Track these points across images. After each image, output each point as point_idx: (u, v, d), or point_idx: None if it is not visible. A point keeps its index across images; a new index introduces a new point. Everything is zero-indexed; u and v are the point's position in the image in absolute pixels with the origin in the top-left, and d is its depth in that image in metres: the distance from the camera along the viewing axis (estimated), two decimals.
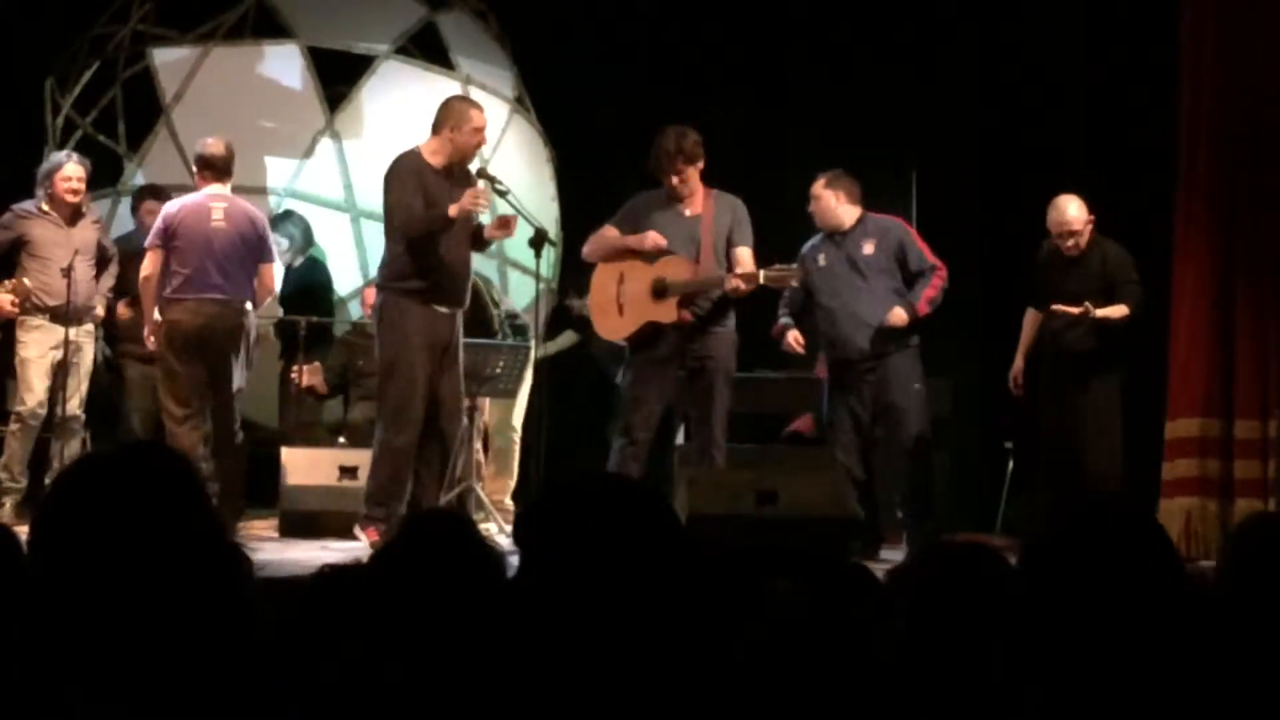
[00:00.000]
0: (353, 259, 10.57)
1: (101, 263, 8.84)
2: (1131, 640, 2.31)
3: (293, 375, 9.59)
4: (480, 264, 8.56)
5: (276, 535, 8.61)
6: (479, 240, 7.76)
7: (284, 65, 10.57)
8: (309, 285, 10.03)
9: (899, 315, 8.10)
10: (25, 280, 8.48)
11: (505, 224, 7.60)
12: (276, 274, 8.67)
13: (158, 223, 8.25)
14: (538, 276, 8.62)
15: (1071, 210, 8.24)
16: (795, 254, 8.14)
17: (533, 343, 9.42)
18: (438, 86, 10.46)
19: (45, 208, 8.63)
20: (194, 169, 8.54)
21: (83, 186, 8.68)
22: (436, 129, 7.62)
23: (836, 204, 8.28)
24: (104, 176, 9.86)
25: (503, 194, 7.80)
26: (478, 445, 9.07)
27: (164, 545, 2.02)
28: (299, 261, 9.99)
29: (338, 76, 10.56)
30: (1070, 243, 8.24)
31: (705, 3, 11.14)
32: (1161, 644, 2.32)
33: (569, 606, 2.12)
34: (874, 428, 8.25)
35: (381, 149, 9.94)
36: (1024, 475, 9.36)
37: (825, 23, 10.91)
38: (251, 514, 9.10)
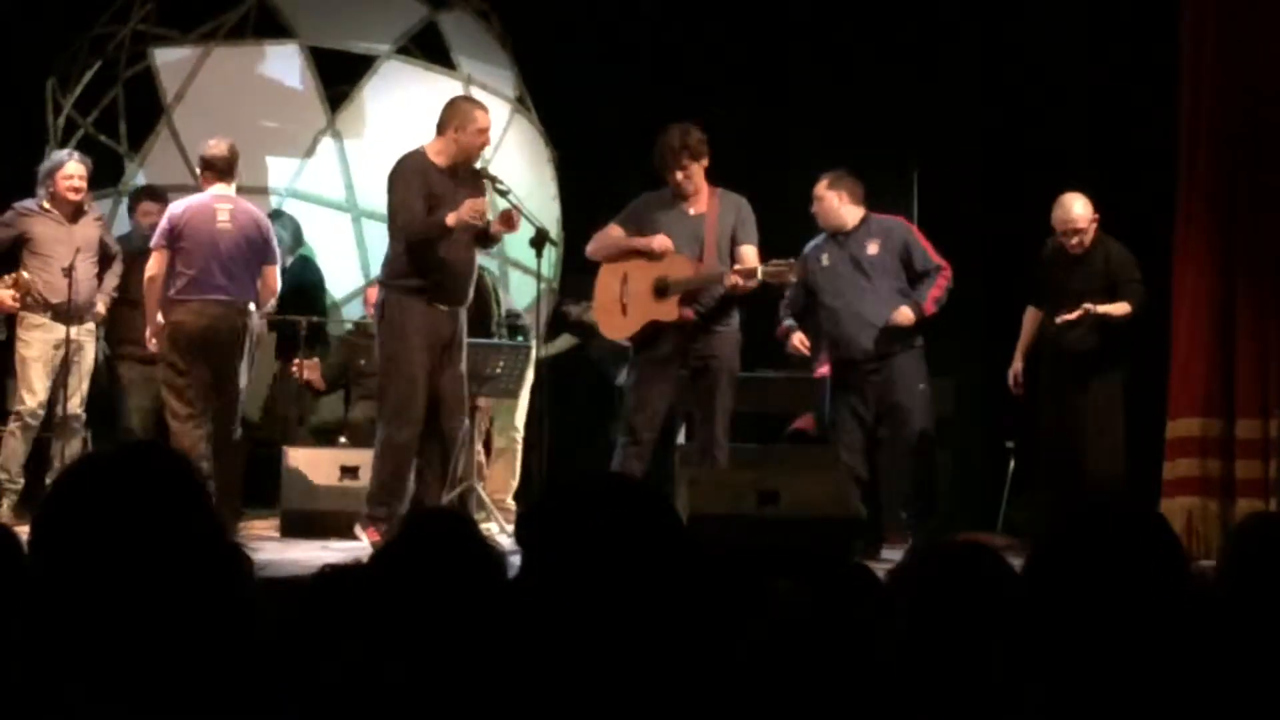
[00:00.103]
0: (354, 259, 10.57)
1: (104, 261, 8.83)
2: (1132, 640, 2.31)
3: (292, 370, 9.59)
4: (482, 262, 8.56)
5: (277, 535, 8.62)
6: (485, 237, 7.76)
7: (285, 65, 10.57)
8: (301, 284, 10.04)
9: (905, 314, 8.09)
10: (25, 274, 8.48)
11: (509, 220, 7.59)
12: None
13: (163, 223, 8.25)
14: (539, 276, 8.63)
15: (1077, 208, 8.24)
16: (797, 253, 8.14)
17: (534, 343, 9.43)
18: (439, 86, 10.46)
19: (47, 206, 8.62)
20: (198, 170, 8.54)
21: (84, 184, 8.67)
22: (441, 129, 7.62)
23: (839, 204, 8.27)
24: (105, 176, 9.86)
25: (504, 194, 7.80)
26: (478, 445, 9.07)
27: (164, 545, 2.02)
28: (289, 261, 9.99)
29: (339, 76, 10.56)
30: (1074, 240, 8.23)
31: (707, 2, 11.14)
32: (1163, 644, 2.32)
33: (570, 607, 2.12)
34: (878, 427, 8.24)
35: (383, 149, 9.94)
36: (1025, 475, 9.36)
37: (827, 22, 10.91)
38: (252, 514, 9.11)
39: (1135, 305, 8.17)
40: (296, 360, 9.51)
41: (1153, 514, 2.53)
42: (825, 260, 8.30)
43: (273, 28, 10.61)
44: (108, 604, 1.97)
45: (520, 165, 10.35)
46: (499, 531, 8.53)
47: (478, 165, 7.98)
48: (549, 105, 11.02)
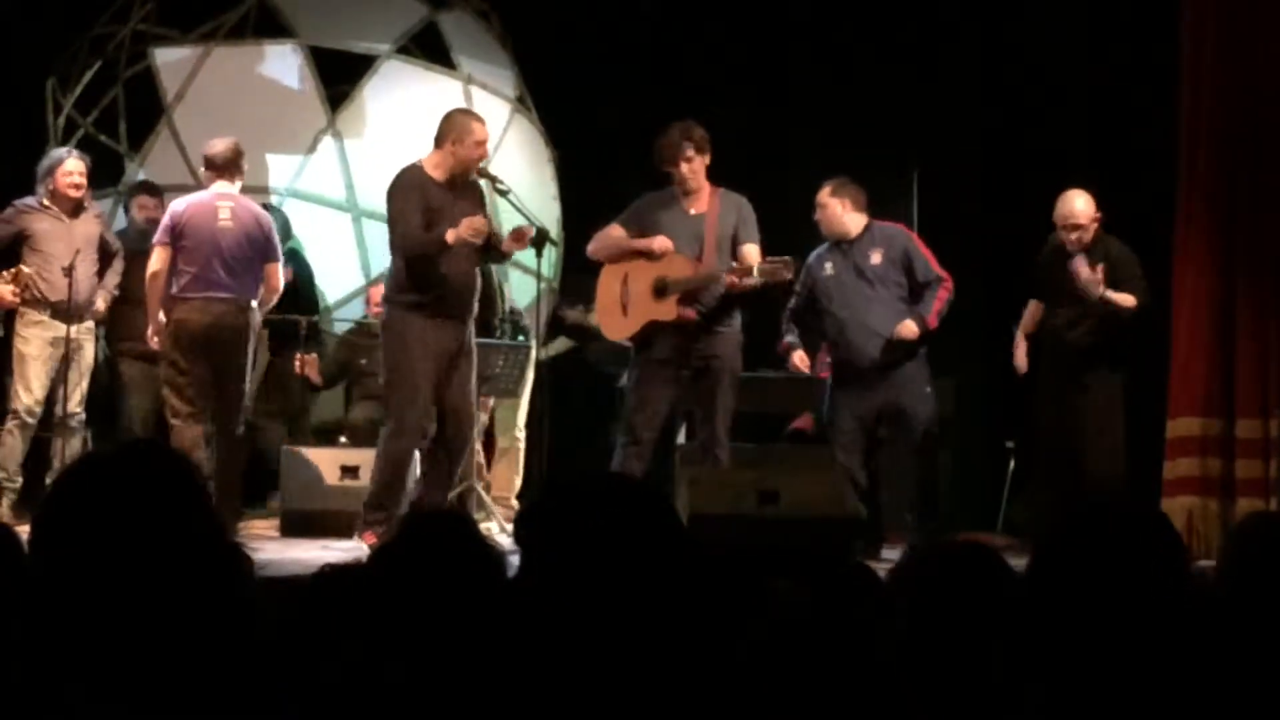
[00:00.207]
0: (354, 258, 10.57)
1: (105, 257, 8.84)
2: (1133, 640, 2.31)
3: (295, 365, 9.58)
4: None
5: (277, 535, 8.62)
6: (496, 252, 7.77)
7: (285, 65, 10.57)
8: (292, 278, 10.04)
9: (910, 328, 8.09)
10: (25, 268, 8.47)
11: (521, 237, 7.60)
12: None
13: (165, 220, 8.29)
14: (539, 276, 8.63)
15: (1078, 204, 8.24)
16: (797, 252, 8.13)
17: (533, 342, 9.43)
18: (439, 86, 10.47)
19: (46, 203, 8.63)
20: (201, 168, 8.55)
21: (84, 181, 8.68)
22: (439, 142, 7.63)
23: (843, 212, 8.27)
24: (105, 176, 9.86)
25: (504, 193, 7.81)
26: (478, 445, 9.07)
27: (164, 545, 2.02)
28: None
29: (339, 76, 10.56)
30: (1074, 236, 8.23)
31: (707, 2, 11.14)
32: (1163, 643, 2.32)
33: (570, 606, 2.12)
34: (879, 428, 8.25)
35: (383, 149, 9.96)
36: (1025, 475, 9.36)
37: (827, 23, 10.91)
38: (252, 514, 9.11)
39: (1140, 301, 8.16)
40: (299, 356, 9.51)
41: (1154, 513, 2.53)
42: (829, 269, 8.29)
43: (273, 27, 10.61)
44: (108, 604, 1.97)
45: (520, 165, 10.35)
46: (499, 531, 8.54)
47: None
48: (549, 105, 11.02)
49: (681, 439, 9.08)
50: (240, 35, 10.61)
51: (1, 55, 10.14)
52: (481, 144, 7.66)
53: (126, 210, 9.57)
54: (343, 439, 9.52)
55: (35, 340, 8.56)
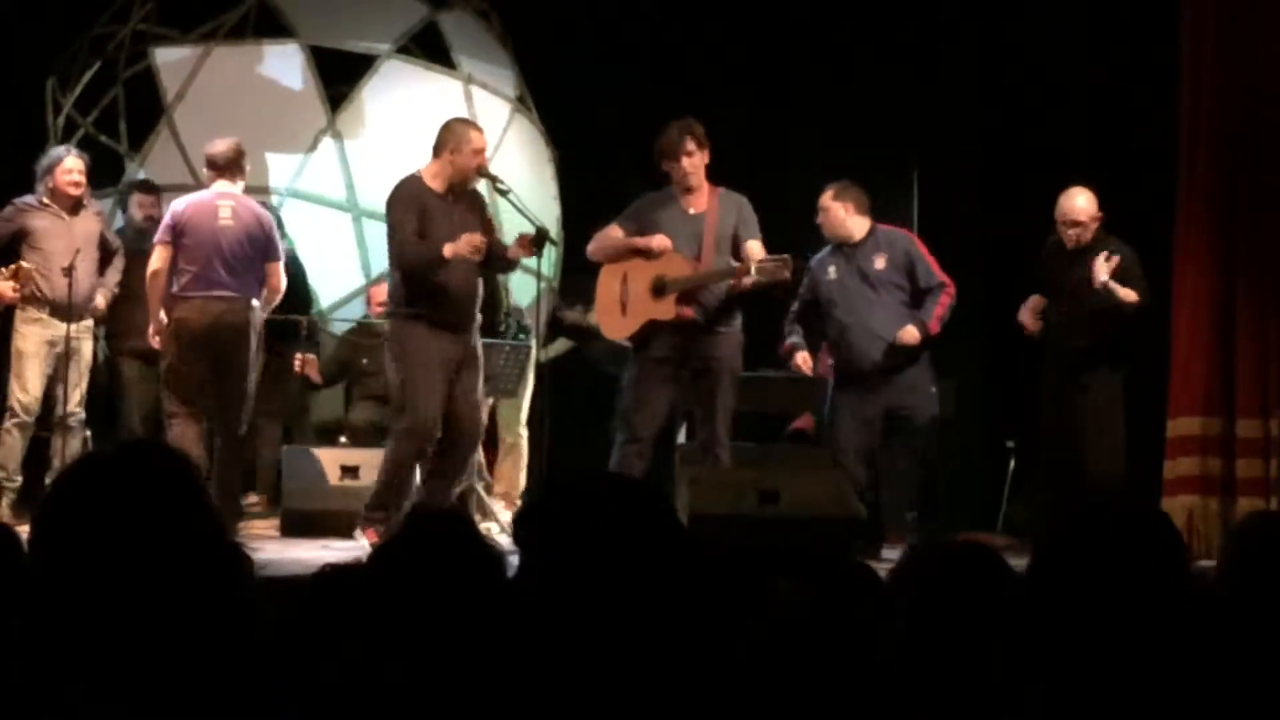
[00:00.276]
0: (354, 258, 10.56)
1: (105, 255, 8.84)
2: (1133, 639, 2.31)
3: (294, 363, 9.58)
4: None
5: (277, 534, 8.62)
6: (503, 261, 7.78)
7: (285, 65, 10.56)
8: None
9: (911, 334, 8.10)
10: (25, 263, 8.48)
11: (526, 245, 7.61)
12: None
13: (165, 219, 8.31)
14: (539, 276, 8.63)
15: (1079, 201, 8.24)
16: (796, 252, 8.12)
17: (533, 342, 9.43)
18: (439, 86, 10.47)
19: (46, 201, 8.63)
20: (203, 169, 8.56)
21: (83, 179, 8.69)
22: (437, 152, 7.65)
23: (846, 215, 8.27)
24: (106, 176, 9.86)
25: (504, 193, 7.81)
26: (480, 445, 9.07)
27: (164, 545, 2.02)
28: None
29: (339, 76, 10.56)
30: (1072, 233, 8.23)
31: (707, 2, 11.14)
32: (1164, 643, 2.32)
33: (569, 607, 2.12)
34: (881, 428, 8.24)
35: (383, 149, 9.96)
36: (1025, 475, 9.36)
37: (827, 23, 10.91)
38: (252, 513, 9.11)
39: (1143, 299, 8.16)
40: (299, 355, 9.51)
41: (1154, 513, 2.53)
42: (832, 273, 8.30)
43: (273, 27, 10.61)
44: (108, 604, 1.97)
45: (521, 165, 10.35)
46: (498, 531, 8.53)
47: None
48: (550, 105, 11.02)
49: (682, 439, 9.08)
50: (240, 35, 10.61)
51: (1, 55, 10.14)
52: (480, 153, 7.68)
53: (124, 210, 9.57)
54: (343, 439, 9.52)
55: (33, 337, 8.56)
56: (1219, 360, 8.33)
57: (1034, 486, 8.91)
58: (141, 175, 10.19)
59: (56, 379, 8.58)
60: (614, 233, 7.99)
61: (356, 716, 2.23)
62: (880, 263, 8.23)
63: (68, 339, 8.51)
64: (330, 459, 8.87)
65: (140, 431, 9.04)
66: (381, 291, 8.45)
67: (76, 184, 8.64)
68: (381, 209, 7.99)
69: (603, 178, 10.00)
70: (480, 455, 9.15)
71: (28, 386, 8.55)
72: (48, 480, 7.71)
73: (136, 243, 8.97)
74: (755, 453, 9.06)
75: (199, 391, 8.14)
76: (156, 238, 8.26)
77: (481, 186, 8.02)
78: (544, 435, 8.52)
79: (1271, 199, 8.26)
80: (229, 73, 10.44)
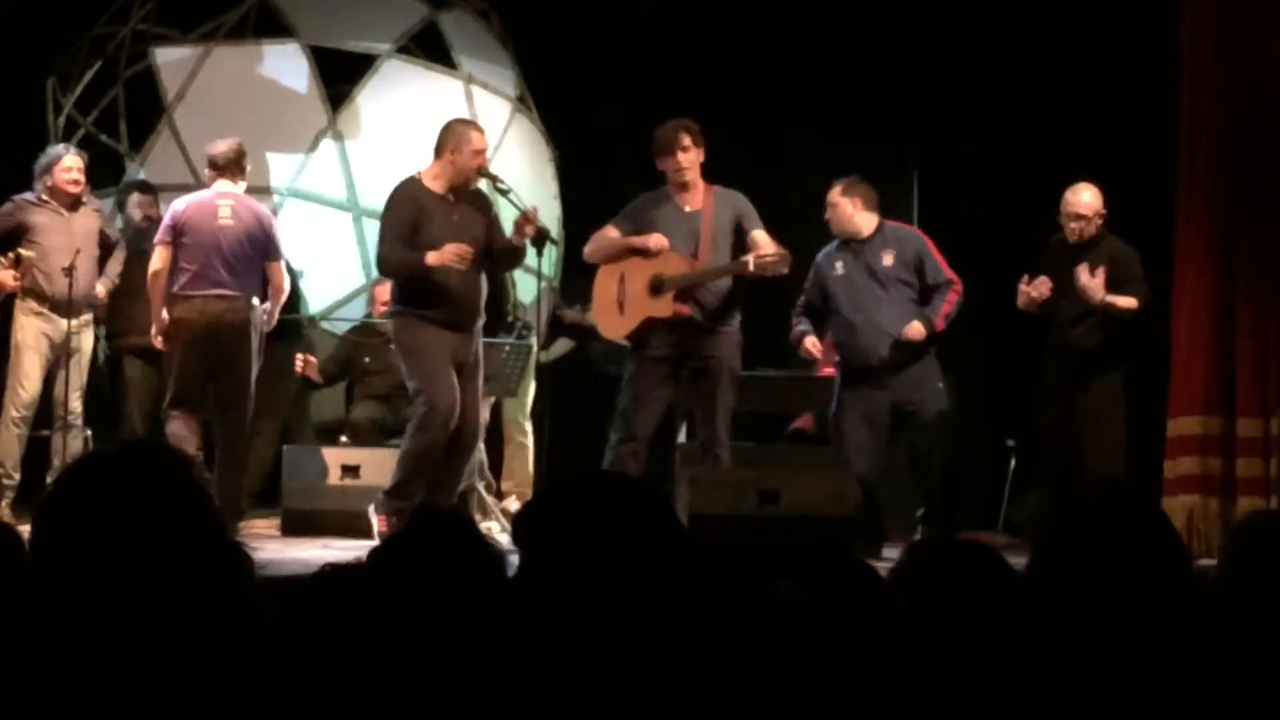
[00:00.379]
0: (355, 258, 10.56)
1: (105, 249, 8.85)
2: (1133, 639, 2.31)
3: (297, 363, 9.58)
4: None
5: (278, 534, 8.62)
6: (511, 253, 7.78)
7: (286, 65, 10.56)
8: None
9: (917, 329, 8.11)
10: (25, 251, 8.48)
11: (527, 222, 7.63)
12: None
13: (165, 219, 8.36)
14: (539, 275, 8.63)
15: (1084, 196, 8.25)
16: (796, 252, 8.11)
17: (534, 341, 9.43)
18: (440, 86, 10.47)
19: (45, 198, 8.64)
20: (205, 169, 8.58)
21: (82, 177, 8.71)
22: (438, 152, 7.67)
23: (854, 211, 8.27)
24: (106, 176, 9.86)
25: (504, 193, 7.82)
26: (481, 444, 9.06)
27: (165, 545, 2.02)
28: None
29: (339, 76, 10.56)
30: (1075, 226, 8.24)
31: (707, 2, 11.14)
32: (1164, 642, 2.32)
33: (569, 607, 2.11)
34: (888, 425, 8.24)
35: (384, 148, 9.96)
36: (1026, 474, 9.36)
37: (827, 22, 10.90)
38: (253, 513, 9.10)
39: (1141, 302, 8.17)
40: (300, 356, 9.51)
41: (1154, 512, 2.52)
42: (839, 269, 8.29)
43: (273, 27, 10.61)
44: (108, 604, 1.97)
45: (521, 164, 10.34)
46: (499, 531, 8.54)
47: None
48: (550, 104, 11.02)
49: (682, 438, 9.08)
50: (240, 35, 10.61)
51: (1, 55, 10.14)
52: (480, 153, 7.70)
53: (122, 210, 9.57)
54: (344, 438, 9.52)
55: (31, 329, 8.56)
56: (1219, 360, 8.33)
57: (1034, 485, 8.91)
58: (142, 175, 10.19)
59: (56, 377, 8.58)
60: (610, 234, 8.00)
61: (356, 716, 2.23)
62: (888, 259, 8.24)
63: (68, 337, 8.51)
64: (331, 458, 8.87)
65: (142, 431, 9.05)
66: (386, 290, 8.46)
67: (75, 182, 8.65)
68: (382, 209, 8.00)
69: (603, 177, 10.01)
70: (483, 455, 9.15)
71: (24, 382, 8.55)
72: (48, 480, 7.71)
73: (136, 243, 8.98)
74: (755, 452, 9.06)
75: (199, 390, 8.16)
76: (156, 238, 8.29)
77: (482, 185, 8.03)
78: (544, 435, 8.53)
79: (1271, 199, 8.26)
80: (229, 73, 10.44)
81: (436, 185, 7.63)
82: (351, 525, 7.81)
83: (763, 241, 7.75)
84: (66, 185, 8.62)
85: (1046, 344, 8.42)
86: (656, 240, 7.78)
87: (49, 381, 8.59)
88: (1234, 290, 8.34)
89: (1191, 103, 8.49)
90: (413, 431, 7.68)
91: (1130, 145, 9.60)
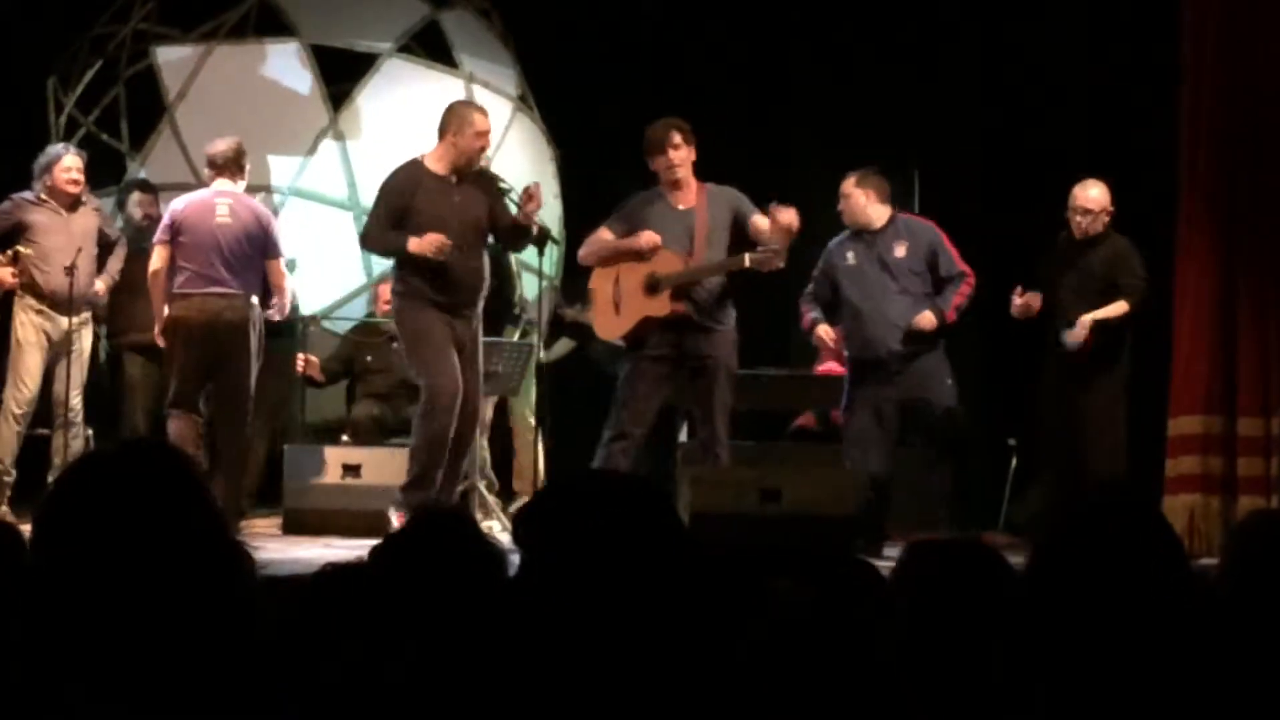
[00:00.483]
0: (356, 257, 10.56)
1: (105, 248, 8.86)
2: (1133, 639, 2.31)
3: (299, 363, 9.57)
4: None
5: (279, 533, 8.62)
6: (518, 230, 7.80)
7: (287, 64, 10.57)
8: None
9: (928, 319, 8.12)
10: (23, 249, 8.49)
11: (531, 195, 7.68)
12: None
13: (164, 218, 8.38)
14: (540, 274, 8.63)
15: (1093, 191, 8.27)
16: (796, 251, 8.11)
17: (535, 340, 9.43)
18: (441, 85, 10.46)
19: (44, 197, 8.64)
20: (205, 169, 8.59)
21: (82, 177, 8.71)
22: (441, 135, 7.68)
23: (867, 202, 8.29)
24: (107, 175, 9.87)
25: (504, 193, 7.82)
26: (483, 443, 9.07)
27: (165, 544, 2.02)
28: None
29: (340, 75, 10.56)
30: (1081, 220, 8.26)
31: (708, 2, 11.14)
32: (1164, 642, 2.32)
33: (570, 606, 2.12)
34: (897, 421, 8.24)
35: (385, 147, 9.94)
36: (1027, 473, 9.36)
37: (828, 22, 10.90)
38: (254, 512, 9.10)
39: (1133, 303, 8.16)
40: (302, 356, 9.51)
41: (1154, 512, 2.53)
42: (851, 259, 8.30)
43: (274, 26, 10.61)
44: (108, 603, 1.97)
45: (522, 164, 10.35)
46: (500, 530, 8.54)
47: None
48: (551, 104, 11.02)
49: (683, 438, 9.09)
50: (241, 34, 10.61)
51: (2, 55, 10.15)
52: (483, 135, 7.71)
53: (122, 208, 9.57)
54: (345, 437, 9.52)
55: (30, 326, 8.57)
56: (1220, 359, 8.33)
57: (1035, 485, 8.91)
58: (143, 174, 10.20)
59: (56, 375, 8.58)
60: (604, 235, 8.01)
61: (356, 716, 2.23)
62: (901, 251, 8.25)
63: (68, 335, 8.52)
64: (332, 457, 8.87)
65: (143, 430, 9.05)
66: (388, 289, 8.46)
67: (75, 182, 8.66)
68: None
69: (604, 177, 10.00)
70: (485, 453, 9.16)
71: (23, 379, 8.56)
72: (49, 479, 7.71)
73: (136, 242, 8.98)
74: (756, 451, 9.06)
75: (199, 388, 8.18)
76: (155, 237, 8.31)
77: (495, 175, 8.05)
78: (544, 435, 8.53)
79: (1271, 199, 8.26)
80: (230, 72, 10.44)
81: (439, 167, 7.65)
82: (353, 524, 7.81)
83: (763, 226, 7.76)
84: (66, 185, 8.62)
85: (1047, 343, 8.42)
86: (648, 238, 7.78)
87: (49, 379, 8.59)
88: (1235, 290, 8.34)
89: (1192, 103, 8.49)
90: (419, 422, 7.67)
91: (1130, 145, 9.59)
